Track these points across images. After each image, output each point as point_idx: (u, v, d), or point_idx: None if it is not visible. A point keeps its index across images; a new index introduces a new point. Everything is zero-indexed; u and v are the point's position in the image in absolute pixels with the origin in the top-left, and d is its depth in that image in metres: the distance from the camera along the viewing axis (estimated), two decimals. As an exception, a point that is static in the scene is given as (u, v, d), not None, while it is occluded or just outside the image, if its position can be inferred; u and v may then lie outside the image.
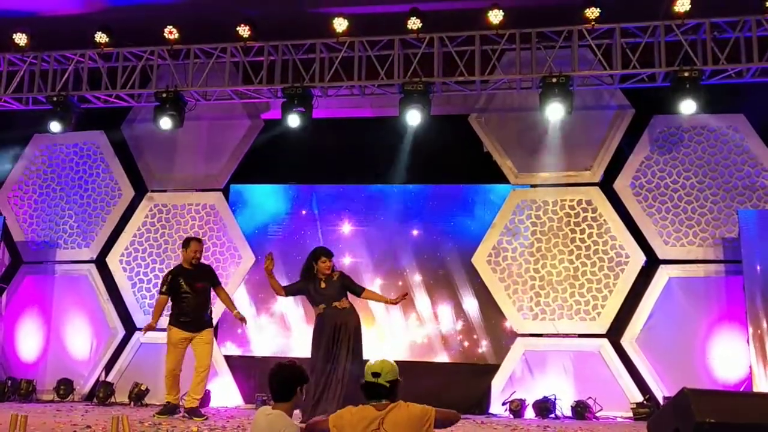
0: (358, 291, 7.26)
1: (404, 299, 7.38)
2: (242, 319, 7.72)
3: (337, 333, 6.91)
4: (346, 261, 9.42)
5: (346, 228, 9.68)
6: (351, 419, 3.85)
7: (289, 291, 7.28)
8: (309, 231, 9.75)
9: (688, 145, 9.04)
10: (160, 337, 9.56)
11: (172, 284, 7.56)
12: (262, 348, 9.65)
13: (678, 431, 3.81)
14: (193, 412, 7.37)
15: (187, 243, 7.77)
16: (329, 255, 7.16)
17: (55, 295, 9.98)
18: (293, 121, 8.63)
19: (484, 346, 9.25)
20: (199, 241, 7.90)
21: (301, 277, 7.19)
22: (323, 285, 7.07)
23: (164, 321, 7.74)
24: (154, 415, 7.42)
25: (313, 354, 7.00)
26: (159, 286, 7.85)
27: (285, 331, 9.61)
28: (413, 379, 9.02)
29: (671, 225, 8.90)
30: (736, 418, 3.78)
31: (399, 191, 9.74)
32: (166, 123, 8.91)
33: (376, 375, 3.92)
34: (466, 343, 9.28)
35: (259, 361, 9.52)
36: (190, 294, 7.53)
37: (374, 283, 9.36)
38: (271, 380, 4.02)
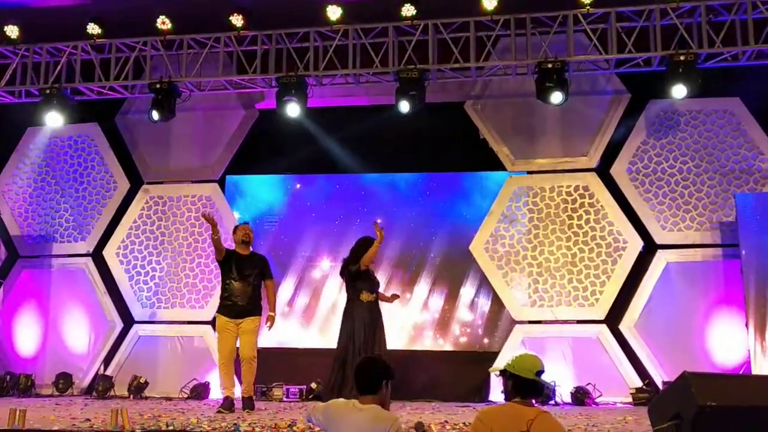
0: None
1: (395, 298, 7.41)
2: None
3: (372, 324, 6.86)
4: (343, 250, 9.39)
5: (342, 217, 9.62)
6: (501, 418, 3.50)
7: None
8: (305, 221, 9.72)
9: (685, 130, 9.03)
10: (158, 330, 9.60)
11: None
12: (262, 340, 9.61)
13: (679, 415, 3.79)
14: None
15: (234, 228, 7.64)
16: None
17: (52, 289, 9.94)
18: (291, 110, 8.57)
19: (483, 333, 9.25)
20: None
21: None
22: (374, 274, 7.19)
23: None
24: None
25: (344, 341, 6.90)
26: None
27: (286, 322, 9.59)
28: (414, 367, 9.13)
29: (668, 210, 8.89)
30: (739, 401, 3.77)
31: (395, 180, 9.72)
32: (159, 114, 8.85)
33: (540, 373, 3.54)
34: (465, 331, 9.28)
35: (258, 353, 9.46)
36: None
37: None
38: (360, 374, 3.87)
